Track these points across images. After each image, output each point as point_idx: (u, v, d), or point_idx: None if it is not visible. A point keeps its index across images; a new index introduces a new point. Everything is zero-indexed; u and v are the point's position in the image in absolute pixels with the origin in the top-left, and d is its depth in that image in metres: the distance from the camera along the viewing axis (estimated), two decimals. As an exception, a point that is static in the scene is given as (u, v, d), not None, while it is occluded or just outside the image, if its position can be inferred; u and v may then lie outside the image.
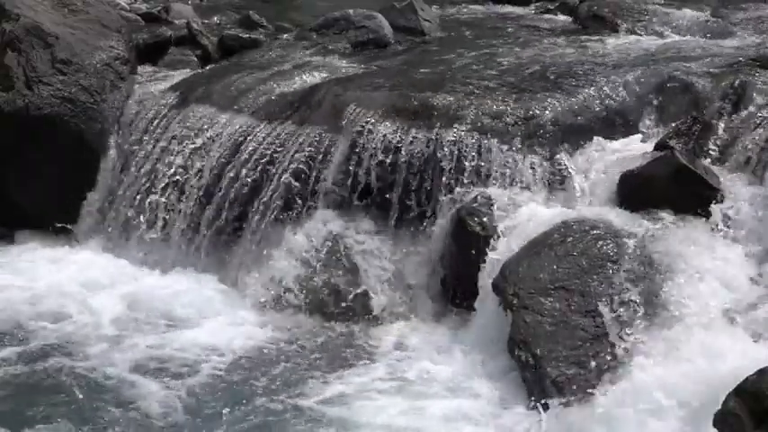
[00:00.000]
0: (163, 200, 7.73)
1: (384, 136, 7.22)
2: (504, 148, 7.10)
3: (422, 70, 8.29)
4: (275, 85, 8.16)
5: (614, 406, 5.48)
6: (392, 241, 7.11)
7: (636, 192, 6.67)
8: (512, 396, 5.82)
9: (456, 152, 7.06)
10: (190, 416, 5.83)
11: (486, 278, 6.45)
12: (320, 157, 7.34)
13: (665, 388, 5.46)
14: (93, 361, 6.36)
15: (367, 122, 7.32)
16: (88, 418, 5.74)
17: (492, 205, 6.80)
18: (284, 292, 7.06)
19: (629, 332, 5.84)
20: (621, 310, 5.91)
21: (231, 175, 7.55)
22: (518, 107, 7.34)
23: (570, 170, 7.02)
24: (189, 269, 7.51)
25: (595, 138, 7.24)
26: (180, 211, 7.67)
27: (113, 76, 8.41)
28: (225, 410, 5.85)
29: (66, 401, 5.90)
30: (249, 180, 7.47)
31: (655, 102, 7.53)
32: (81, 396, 5.95)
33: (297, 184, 7.34)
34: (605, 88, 7.60)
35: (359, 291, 6.97)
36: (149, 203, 7.76)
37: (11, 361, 6.35)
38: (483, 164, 7.03)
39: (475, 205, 6.81)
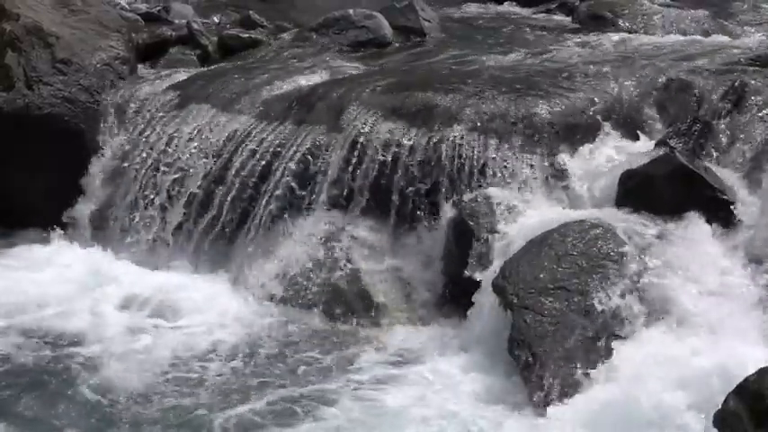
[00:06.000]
0: (163, 199, 7.74)
1: (384, 135, 7.23)
2: (505, 147, 7.10)
3: (422, 70, 8.30)
4: (275, 85, 8.16)
5: (614, 406, 5.49)
6: (392, 241, 7.11)
7: (635, 191, 6.67)
8: (512, 396, 5.81)
9: (456, 152, 7.07)
10: (189, 409, 5.84)
11: (486, 278, 6.45)
12: (320, 156, 7.35)
13: (665, 388, 5.46)
14: (93, 358, 6.36)
15: (367, 122, 7.33)
16: (85, 412, 5.79)
17: (492, 205, 6.80)
18: (284, 291, 7.06)
19: (629, 332, 5.85)
20: (621, 309, 5.92)
21: (231, 174, 7.56)
22: (518, 107, 7.34)
23: (570, 170, 7.03)
24: (189, 267, 7.51)
25: (595, 137, 7.24)
26: (180, 210, 7.67)
27: (113, 75, 8.43)
28: (222, 406, 5.86)
29: (66, 397, 5.94)
30: (249, 179, 7.48)
31: (654, 101, 7.53)
32: (80, 392, 5.98)
33: (297, 183, 7.35)
34: (605, 88, 7.61)
35: (358, 290, 6.97)
36: (149, 202, 7.76)
37: (12, 358, 6.36)
38: (483, 164, 7.03)
39: (475, 205, 6.82)
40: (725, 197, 6.55)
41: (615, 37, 9.12)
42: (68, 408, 5.84)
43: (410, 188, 7.09)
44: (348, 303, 6.94)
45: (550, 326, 5.91)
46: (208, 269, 7.47)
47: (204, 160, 7.73)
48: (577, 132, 7.26)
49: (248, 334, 6.71)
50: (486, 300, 6.40)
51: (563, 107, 7.38)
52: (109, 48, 8.56)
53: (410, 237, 7.07)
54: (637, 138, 7.28)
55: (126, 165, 8.01)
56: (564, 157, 7.09)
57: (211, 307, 7.02)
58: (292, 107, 7.78)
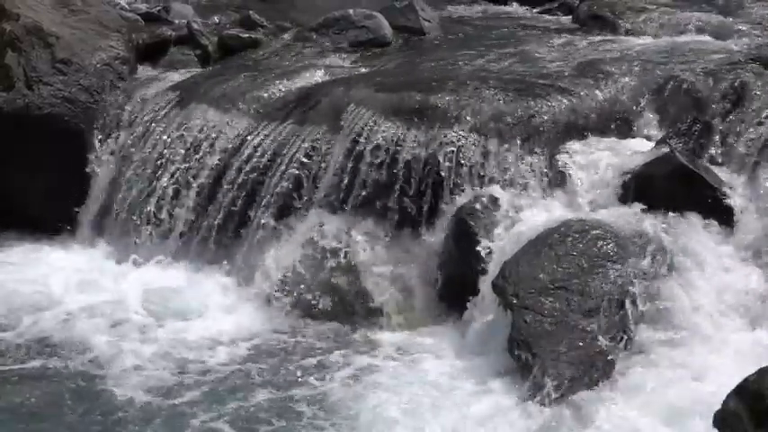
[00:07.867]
0: (163, 199, 7.74)
1: (384, 136, 7.23)
2: (504, 148, 7.10)
3: (422, 70, 8.30)
4: (275, 85, 8.15)
5: (614, 406, 5.49)
6: (392, 241, 7.11)
7: (636, 191, 6.68)
8: (511, 396, 5.81)
9: (456, 152, 7.07)
10: (188, 407, 5.87)
11: (486, 278, 6.45)
12: (320, 157, 7.35)
13: (664, 388, 5.47)
14: (93, 359, 6.38)
15: (367, 122, 7.33)
16: (83, 415, 5.80)
17: (492, 205, 6.81)
18: (283, 292, 7.06)
19: (629, 332, 5.86)
20: (621, 310, 5.92)
21: (232, 174, 7.56)
22: (518, 107, 7.34)
23: (570, 170, 7.03)
24: (189, 268, 7.51)
25: (595, 137, 7.25)
26: (181, 211, 7.67)
27: (113, 75, 8.43)
28: (219, 405, 5.87)
29: (64, 399, 5.95)
30: (250, 180, 7.48)
31: (654, 101, 7.53)
32: (78, 394, 6.00)
33: (296, 183, 7.35)
34: (605, 88, 7.61)
35: (358, 291, 6.97)
36: (150, 203, 7.76)
37: (11, 361, 6.37)
38: (483, 164, 7.03)
39: (475, 206, 6.82)
40: (725, 197, 6.55)
41: (615, 37, 9.13)
42: (67, 410, 5.84)
43: (410, 188, 7.08)
44: (347, 304, 6.94)
45: (550, 326, 5.92)
46: (208, 269, 7.46)
47: (204, 160, 7.72)
48: (577, 132, 7.26)
49: (246, 334, 6.72)
50: (486, 300, 6.41)
51: (563, 107, 7.39)
52: (109, 48, 8.56)
53: (410, 237, 7.06)
54: (637, 138, 7.28)
55: (127, 165, 8.01)
56: (564, 157, 7.09)
57: (211, 306, 7.04)
58: (292, 107, 7.78)
